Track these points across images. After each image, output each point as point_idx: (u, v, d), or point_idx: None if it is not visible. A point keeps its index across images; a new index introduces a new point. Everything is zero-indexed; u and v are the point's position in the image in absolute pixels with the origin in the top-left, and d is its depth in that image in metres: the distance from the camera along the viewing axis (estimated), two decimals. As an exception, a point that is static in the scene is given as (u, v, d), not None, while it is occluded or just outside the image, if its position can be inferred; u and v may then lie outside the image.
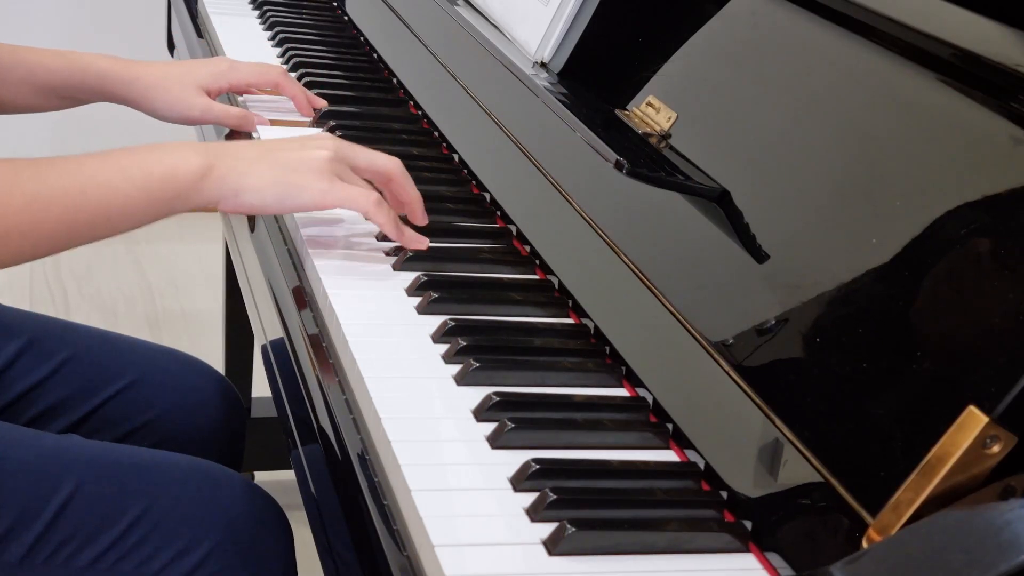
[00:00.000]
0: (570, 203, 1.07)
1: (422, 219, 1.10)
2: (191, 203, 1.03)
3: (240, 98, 1.40)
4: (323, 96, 1.41)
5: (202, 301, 2.88)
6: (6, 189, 0.95)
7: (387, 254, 1.08)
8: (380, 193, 1.08)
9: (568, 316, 1.02)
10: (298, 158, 1.04)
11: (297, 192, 1.03)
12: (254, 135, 1.33)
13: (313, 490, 0.91)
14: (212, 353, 1.94)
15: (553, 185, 1.10)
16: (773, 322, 0.84)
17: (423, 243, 1.07)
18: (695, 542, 0.76)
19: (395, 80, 1.51)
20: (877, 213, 0.82)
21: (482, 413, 0.86)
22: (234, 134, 1.37)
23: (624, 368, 0.94)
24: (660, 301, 0.92)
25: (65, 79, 1.34)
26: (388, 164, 1.09)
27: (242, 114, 1.33)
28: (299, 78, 1.47)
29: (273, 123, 1.35)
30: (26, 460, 1.08)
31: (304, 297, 1.04)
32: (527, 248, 1.11)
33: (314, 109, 1.38)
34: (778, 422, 0.78)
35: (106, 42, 2.69)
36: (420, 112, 1.41)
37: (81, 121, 3.19)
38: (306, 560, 1.11)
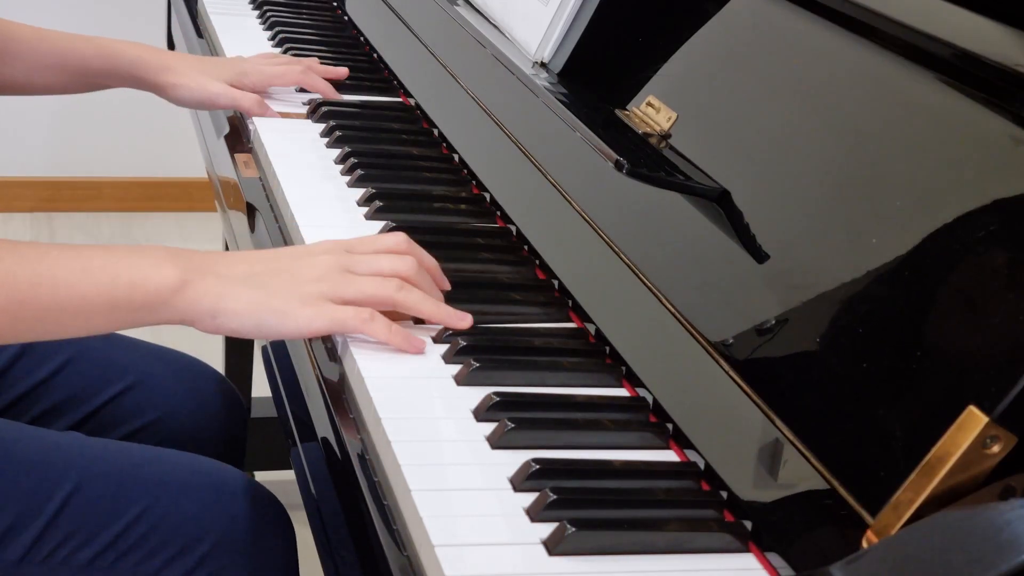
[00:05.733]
0: (570, 203, 1.07)
1: (447, 312, 0.96)
2: (161, 318, 0.91)
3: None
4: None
5: (202, 301, 2.87)
6: None
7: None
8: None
9: (568, 316, 1.02)
10: (287, 282, 0.93)
11: (279, 320, 0.91)
12: (250, 127, 1.33)
13: (313, 490, 0.91)
14: (212, 353, 1.94)
15: (553, 185, 1.10)
16: (773, 322, 0.84)
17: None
18: (695, 542, 0.76)
19: (395, 80, 1.51)
20: (877, 213, 0.82)
21: (482, 413, 0.86)
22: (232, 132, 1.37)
23: (624, 368, 0.93)
24: (660, 301, 0.92)
25: (98, 65, 1.37)
26: (396, 266, 0.95)
27: (257, 100, 1.37)
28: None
29: (282, 115, 1.38)
30: (27, 458, 1.08)
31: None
32: (527, 248, 1.11)
33: (314, 109, 1.38)
34: (778, 422, 0.78)
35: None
36: (420, 112, 1.41)
37: (82, 110, 3.20)
38: (306, 560, 1.11)
